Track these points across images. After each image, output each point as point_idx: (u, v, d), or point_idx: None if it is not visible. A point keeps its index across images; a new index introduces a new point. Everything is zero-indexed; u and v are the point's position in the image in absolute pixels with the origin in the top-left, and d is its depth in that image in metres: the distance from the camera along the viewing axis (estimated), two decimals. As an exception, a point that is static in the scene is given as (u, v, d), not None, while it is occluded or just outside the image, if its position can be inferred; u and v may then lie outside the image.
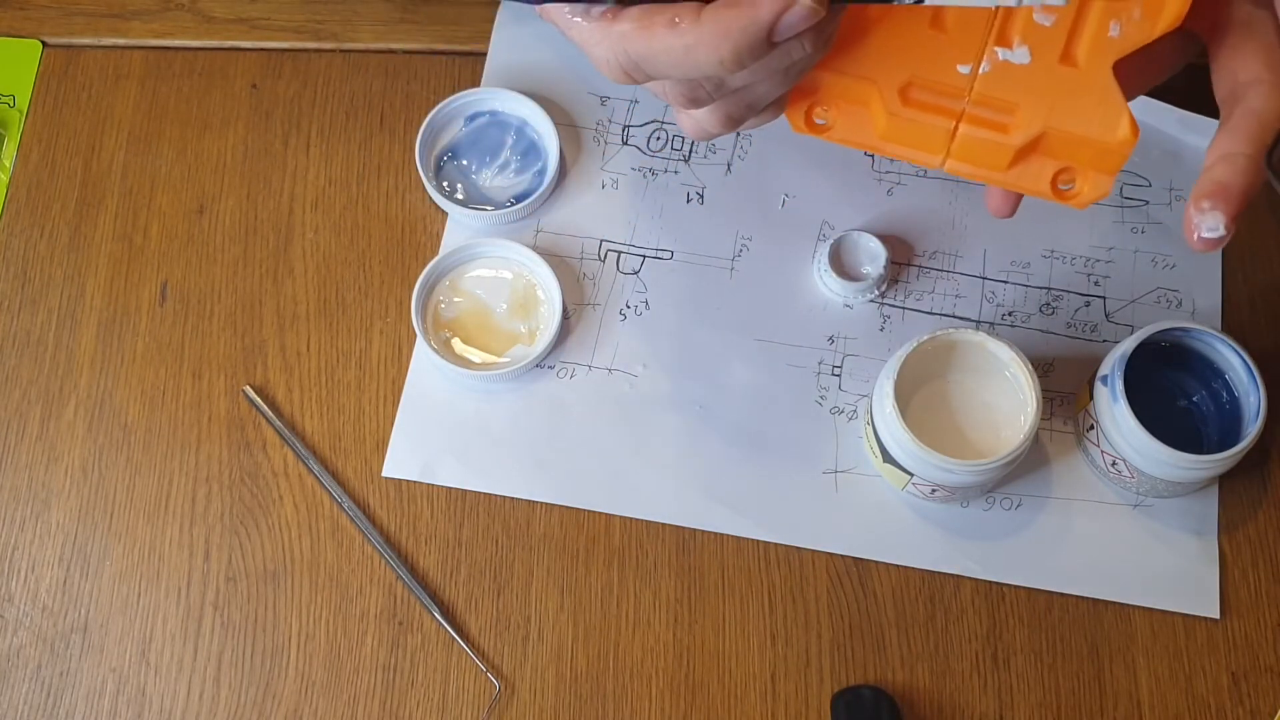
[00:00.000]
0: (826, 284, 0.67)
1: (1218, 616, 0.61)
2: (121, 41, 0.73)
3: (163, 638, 0.62)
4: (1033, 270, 0.67)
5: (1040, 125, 0.49)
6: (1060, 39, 0.48)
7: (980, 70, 0.49)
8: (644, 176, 0.69)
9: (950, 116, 0.50)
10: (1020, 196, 0.52)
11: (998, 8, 0.48)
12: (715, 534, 0.63)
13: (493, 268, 0.67)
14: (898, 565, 0.62)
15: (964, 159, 0.51)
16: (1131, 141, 0.48)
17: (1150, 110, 0.68)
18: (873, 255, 0.66)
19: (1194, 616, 0.61)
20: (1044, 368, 0.65)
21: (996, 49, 0.49)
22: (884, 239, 0.66)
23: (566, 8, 0.42)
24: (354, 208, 0.69)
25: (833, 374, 0.65)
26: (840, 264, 0.66)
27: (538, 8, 0.44)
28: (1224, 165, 0.45)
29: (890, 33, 0.49)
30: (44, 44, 0.73)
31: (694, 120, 0.48)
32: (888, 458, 0.60)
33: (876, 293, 0.66)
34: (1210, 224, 0.45)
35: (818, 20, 0.40)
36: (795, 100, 0.52)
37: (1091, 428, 0.61)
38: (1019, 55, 0.49)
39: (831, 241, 0.66)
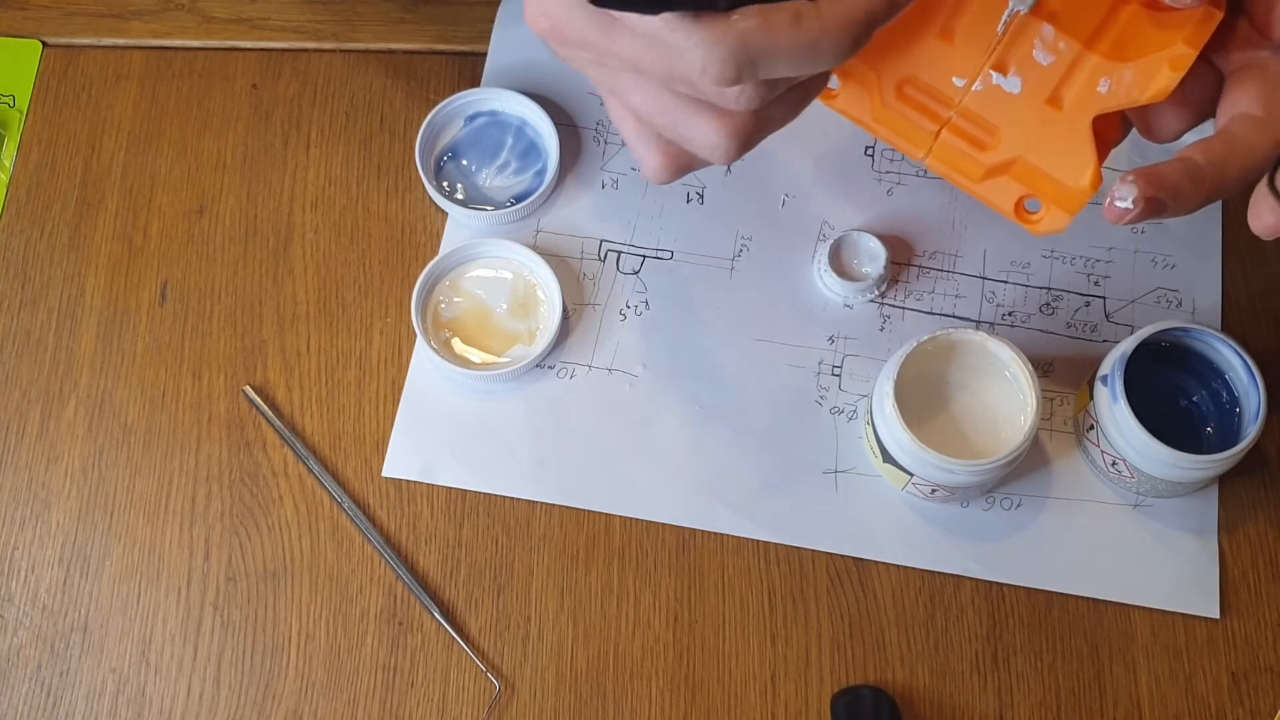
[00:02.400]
0: (826, 284, 0.67)
1: (1218, 616, 0.61)
2: (121, 41, 0.73)
3: (163, 638, 0.62)
4: (1033, 270, 0.67)
5: (1013, 152, 0.52)
6: (1052, 80, 0.50)
7: (973, 87, 0.52)
8: (644, 176, 0.69)
9: (936, 121, 0.53)
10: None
11: (1002, 34, 0.50)
12: (715, 534, 0.63)
13: (493, 268, 0.67)
14: (898, 565, 0.62)
15: (943, 161, 0.54)
16: (1090, 192, 0.50)
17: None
18: (873, 255, 0.66)
19: (1194, 616, 0.61)
20: (1044, 368, 0.65)
21: (992, 72, 0.51)
22: (884, 239, 0.66)
23: (672, 14, 0.41)
24: (354, 208, 0.69)
25: (833, 374, 0.65)
26: (840, 264, 0.66)
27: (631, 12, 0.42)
28: (1173, 161, 0.46)
29: (903, 32, 0.52)
30: (44, 44, 0.73)
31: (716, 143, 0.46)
32: (888, 458, 0.60)
33: (876, 293, 0.66)
34: (1122, 193, 0.45)
35: None
36: None
37: (1091, 428, 0.61)
38: (1011, 84, 0.51)
39: (831, 241, 0.66)
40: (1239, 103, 0.47)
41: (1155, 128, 0.50)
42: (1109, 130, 0.52)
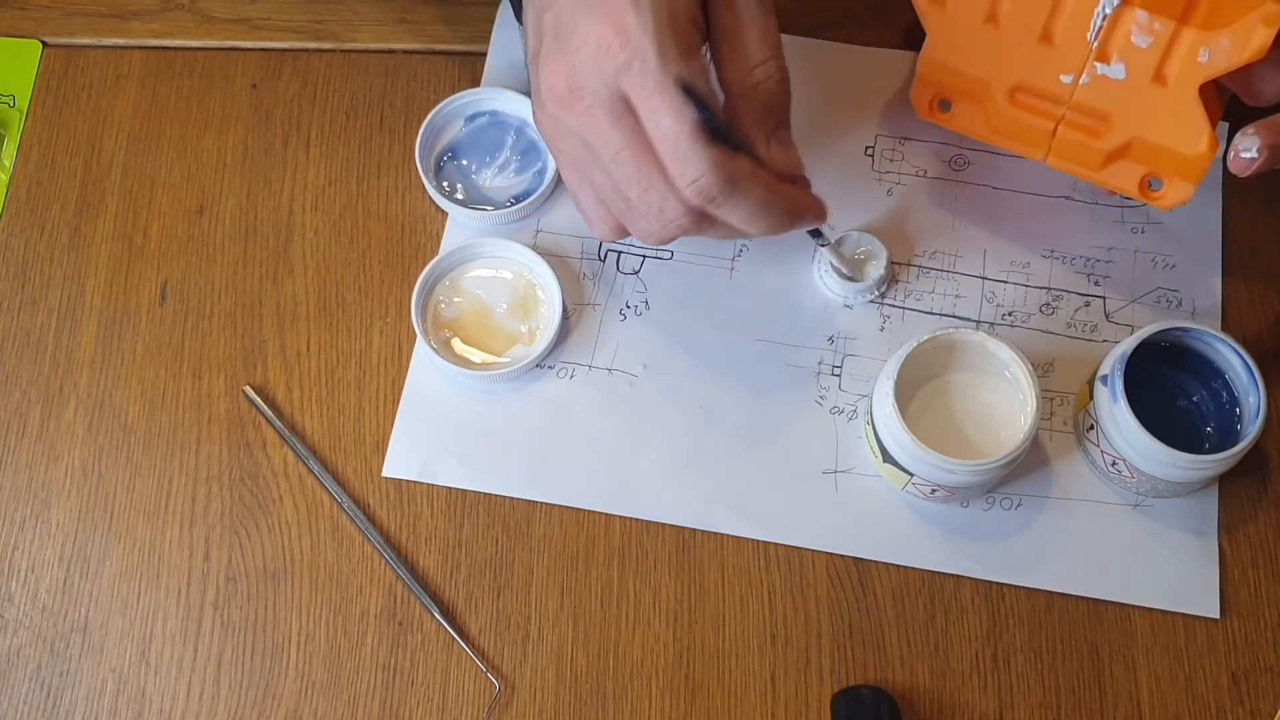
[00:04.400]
0: (826, 284, 0.67)
1: (1218, 616, 0.61)
2: (121, 41, 0.73)
3: (163, 638, 0.62)
4: (1033, 270, 0.67)
5: (1129, 134, 0.56)
6: (1154, 60, 0.54)
7: (1080, 81, 0.56)
8: (644, 176, 0.69)
9: (1051, 119, 0.58)
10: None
11: (1098, 29, 0.54)
12: (715, 534, 0.63)
13: (493, 268, 0.67)
14: (898, 565, 0.62)
15: (1063, 156, 0.58)
16: (1209, 155, 0.54)
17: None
18: (873, 255, 0.66)
19: (1194, 616, 0.61)
20: (1044, 368, 0.65)
21: (1096, 64, 0.55)
22: (884, 239, 0.66)
23: (699, 128, 0.48)
24: (354, 208, 0.69)
25: (833, 374, 0.65)
26: (840, 264, 0.66)
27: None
28: None
29: (1005, 41, 0.57)
30: (44, 44, 0.73)
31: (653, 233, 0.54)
32: (888, 458, 0.60)
33: (876, 293, 0.66)
34: (1246, 144, 0.49)
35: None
36: (921, 90, 0.61)
37: (1091, 428, 0.61)
38: (1115, 71, 0.55)
39: (831, 242, 0.66)
40: None
41: (1258, 90, 0.54)
42: (1209, 107, 0.54)
